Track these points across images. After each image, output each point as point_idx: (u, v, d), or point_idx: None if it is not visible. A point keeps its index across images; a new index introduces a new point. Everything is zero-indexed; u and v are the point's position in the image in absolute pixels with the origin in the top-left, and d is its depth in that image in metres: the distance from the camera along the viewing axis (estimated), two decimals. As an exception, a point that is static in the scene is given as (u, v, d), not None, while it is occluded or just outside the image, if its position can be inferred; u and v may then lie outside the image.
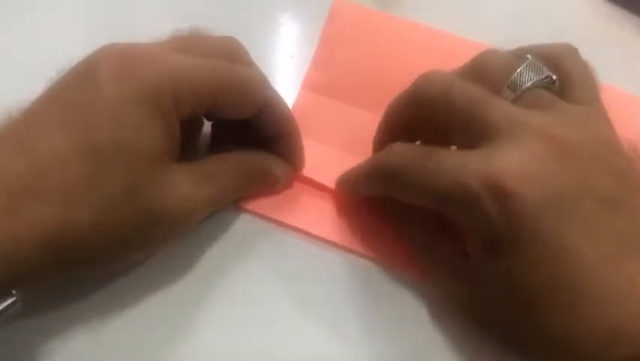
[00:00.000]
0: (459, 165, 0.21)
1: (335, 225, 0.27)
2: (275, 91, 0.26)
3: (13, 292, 0.19)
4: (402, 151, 0.24)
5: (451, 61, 0.32)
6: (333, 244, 0.27)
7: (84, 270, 0.22)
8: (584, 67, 0.24)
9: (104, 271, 0.24)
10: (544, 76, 0.23)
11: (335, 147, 0.29)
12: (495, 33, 0.34)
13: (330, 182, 0.28)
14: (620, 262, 0.19)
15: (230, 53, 0.25)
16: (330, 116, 0.31)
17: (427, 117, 0.24)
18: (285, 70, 0.33)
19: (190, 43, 0.24)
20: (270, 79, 0.26)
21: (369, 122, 0.28)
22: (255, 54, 0.30)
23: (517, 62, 0.23)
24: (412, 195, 0.23)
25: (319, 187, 0.28)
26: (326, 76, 0.32)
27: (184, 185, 0.23)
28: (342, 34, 0.33)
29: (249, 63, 0.26)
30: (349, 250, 0.26)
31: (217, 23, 0.35)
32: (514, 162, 0.20)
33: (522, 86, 0.23)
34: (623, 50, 0.36)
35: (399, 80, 0.31)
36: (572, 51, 0.25)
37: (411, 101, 0.25)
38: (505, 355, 0.23)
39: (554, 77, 0.23)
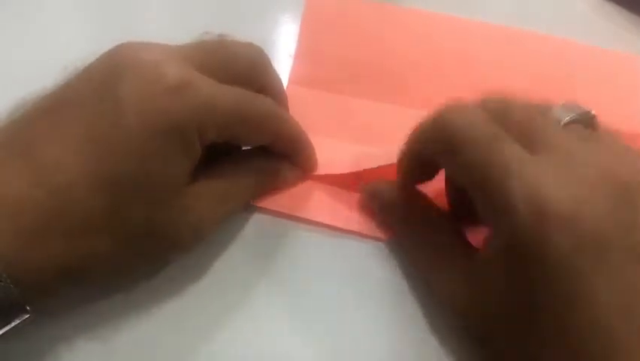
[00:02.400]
0: (512, 169, 0.20)
1: (340, 211, 0.27)
2: (288, 117, 0.26)
3: (27, 308, 0.19)
4: (472, 124, 0.22)
5: (432, 39, 0.33)
6: (346, 231, 0.27)
7: (97, 290, 0.23)
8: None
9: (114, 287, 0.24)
10: (584, 111, 0.22)
11: (328, 135, 0.29)
12: (494, 33, 0.34)
13: (329, 170, 0.28)
14: (636, 314, 0.19)
15: (253, 71, 0.25)
16: (318, 106, 0.31)
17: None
18: (285, 70, 0.33)
19: (214, 58, 0.24)
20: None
21: (357, 108, 0.30)
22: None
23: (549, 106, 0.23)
24: (460, 173, 0.22)
25: (322, 179, 0.28)
26: (311, 68, 0.32)
27: (200, 210, 0.23)
28: (321, 25, 0.34)
29: (270, 81, 0.26)
30: (362, 235, 0.27)
31: (217, 23, 0.35)
32: (563, 194, 0.19)
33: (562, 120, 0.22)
34: (623, 49, 0.36)
35: (382, 65, 0.32)
36: None
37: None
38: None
39: (593, 113, 0.22)
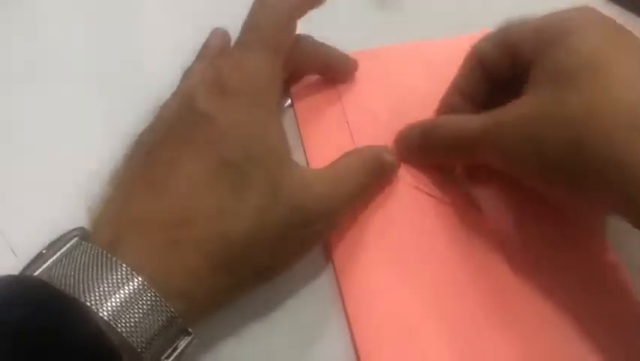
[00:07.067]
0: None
1: None
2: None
3: (190, 330, 0.20)
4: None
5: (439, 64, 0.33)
6: None
7: (245, 286, 0.23)
8: None
9: (258, 285, 0.24)
10: None
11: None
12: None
13: None
14: None
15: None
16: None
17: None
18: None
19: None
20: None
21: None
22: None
23: None
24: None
25: None
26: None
27: (319, 185, 0.24)
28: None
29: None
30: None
31: (217, 24, 0.35)
32: (572, 14, 0.25)
33: None
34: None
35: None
36: None
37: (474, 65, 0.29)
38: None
39: None
